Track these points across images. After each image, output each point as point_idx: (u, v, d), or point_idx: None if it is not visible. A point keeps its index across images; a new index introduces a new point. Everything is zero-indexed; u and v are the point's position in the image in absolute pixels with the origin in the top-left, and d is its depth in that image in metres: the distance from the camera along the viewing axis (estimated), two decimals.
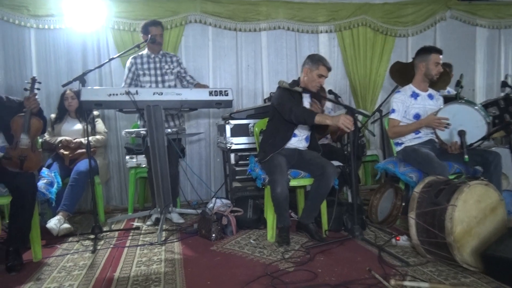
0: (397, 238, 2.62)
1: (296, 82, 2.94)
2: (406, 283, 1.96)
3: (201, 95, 2.95)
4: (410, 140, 2.98)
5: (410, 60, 4.42)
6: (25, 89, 2.60)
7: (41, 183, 2.65)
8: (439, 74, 2.94)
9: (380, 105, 4.00)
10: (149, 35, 3.34)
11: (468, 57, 4.83)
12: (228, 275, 2.20)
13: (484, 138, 2.68)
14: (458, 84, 3.17)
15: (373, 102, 4.57)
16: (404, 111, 2.99)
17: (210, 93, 2.96)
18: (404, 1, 4.64)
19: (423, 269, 2.18)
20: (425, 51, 2.95)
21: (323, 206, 2.91)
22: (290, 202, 3.37)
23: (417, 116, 2.96)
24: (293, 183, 2.80)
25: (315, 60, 2.88)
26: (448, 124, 2.70)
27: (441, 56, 2.92)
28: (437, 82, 3.29)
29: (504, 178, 3.06)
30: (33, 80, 2.64)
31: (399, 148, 3.04)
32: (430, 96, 3.02)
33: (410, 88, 3.03)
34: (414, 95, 2.99)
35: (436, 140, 2.91)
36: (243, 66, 4.47)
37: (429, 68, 2.91)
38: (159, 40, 3.44)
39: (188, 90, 2.95)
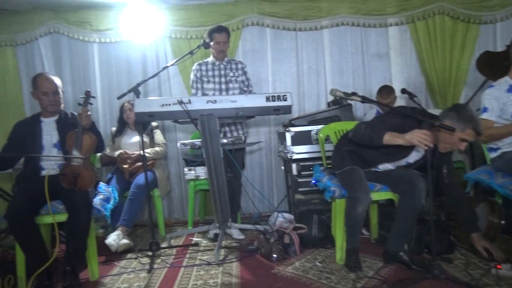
0: (498, 266, 2.13)
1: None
2: None
3: (257, 101, 2.69)
4: (509, 145, 2.45)
5: (500, 49, 3.83)
6: (79, 104, 2.55)
7: (97, 199, 2.57)
8: None
9: (466, 104, 3.45)
10: (214, 43, 3.24)
11: None
12: None
13: None
14: None
15: (454, 100, 3.98)
16: (500, 110, 2.49)
17: (267, 99, 2.69)
18: None
19: None
20: None
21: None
22: None
23: None
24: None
25: (465, 119, 2.15)
26: None
27: None
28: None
29: None
30: (87, 94, 2.59)
31: (494, 155, 2.52)
32: None
33: (506, 81, 2.51)
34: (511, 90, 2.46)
35: None
36: (304, 68, 4.16)
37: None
38: (222, 47, 3.30)
39: (244, 97, 2.72)
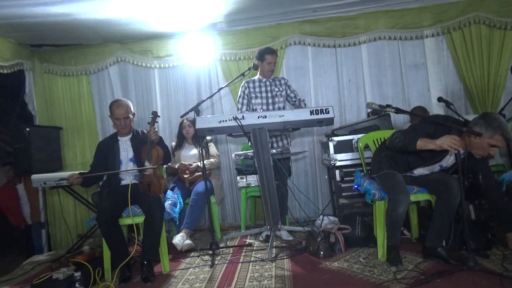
0: None
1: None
2: None
3: (302, 115, 3.03)
4: None
5: None
6: (148, 123, 3.02)
7: (166, 204, 3.02)
8: None
9: (503, 109, 3.58)
10: (267, 63, 3.65)
11: None
12: None
13: None
14: None
15: (494, 105, 4.09)
16: None
17: (311, 112, 3.02)
18: None
19: None
20: None
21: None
22: None
23: None
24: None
25: (493, 126, 2.33)
26: None
27: None
28: None
29: None
30: (154, 114, 3.06)
31: None
32: None
33: None
34: None
35: None
36: (344, 81, 4.46)
37: None
38: (272, 67, 3.70)
39: (290, 111, 3.07)
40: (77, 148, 4.73)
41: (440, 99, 3.58)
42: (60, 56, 4.67)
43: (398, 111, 2.62)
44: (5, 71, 4.17)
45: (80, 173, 2.93)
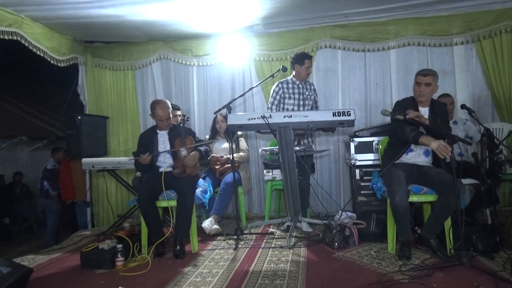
0: None
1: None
2: None
3: (325, 116, 3.26)
4: None
5: None
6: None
7: (198, 191, 3.38)
8: None
9: None
10: (305, 67, 3.88)
11: None
12: (344, 279, 2.46)
13: None
14: None
15: None
16: None
17: (334, 114, 3.25)
18: None
19: None
20: None
21: (447, 224, 2.86)
22: (416, 219, 3.44)
23: None
24: (412, 198, 2.88)
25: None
26: None
27: None
28: None
29: None
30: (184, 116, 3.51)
31: None
32: None
33: None
34: None
35: None
36: (371, 84, 4.63)
37: None
38: (309, 71, 3.94)
39: (314, 112, 3.32)
40: (120, 137, 5.19)
41: (463, 106, 3.73)
42: (110, 52, 5.14)
43: (405, 119, 2.83)
44: (62, 65, 4.66)
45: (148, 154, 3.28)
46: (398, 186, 2.78)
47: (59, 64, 4.59)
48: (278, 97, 3.98)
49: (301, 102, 3.97)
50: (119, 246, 2.93)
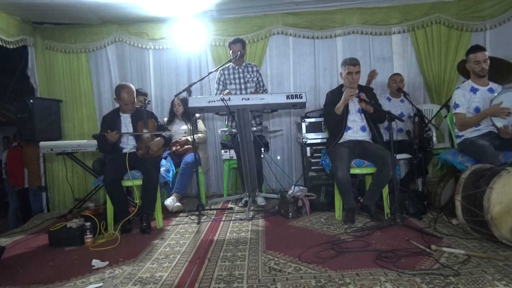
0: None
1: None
2: (445, 248, 2.37)
3: (279, 98, 3.56)
4: (470, 133, 3.22)
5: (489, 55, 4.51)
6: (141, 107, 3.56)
7: (162, 170, 3.56)
8: (484, 70, 3.16)
9: (447, 101, 4.18)
10: (231, 52, 4.07)
11: None
12: (298, 241, 2.80)
13: None
14: None
15: (447, 97, 4.69)
16: (467, 106, 3.25)
17: (287, 97, 3.55)
18: None
19: (467, 244, 2.52)
20: (466, 53, 3.25)
21: (385, 192, 3.31)
22: (359, 190, 3.87)
23: (477, 110, 3.20)
24: (355, 171, 3.29)
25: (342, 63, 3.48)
26: (510, 113, 2.95)
27: (480, 54, 3.14)
28: (504, 77, 3.48)
29: None
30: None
31: (459, 140, 3.30)
32: (491, 90, 3.22)
33: (469, 83, 3.28)
34: (473, 90, 3.23)
35: (496, 131, 3.12)
36: (320, 69, 5.00)
37: (471, 67, 3.19)
38: (241, 53, 4.06)
39: (269, 95, 3.61)
40: (75, 120, 5.16)
41: (399, 90, 4.19)
42: (61, 34, 5.04)
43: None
44: (11, 46, 4.52)
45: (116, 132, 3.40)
46: (340, 162, 3.16)
47: (7, 46, 4.45)
48: (221, 83, 4.20)
49: (242, 86, 4.18)
50: (87, 224, 3.06)
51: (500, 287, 1.87)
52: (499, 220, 2.38)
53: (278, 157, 5.05)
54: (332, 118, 3.44)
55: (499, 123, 3.04)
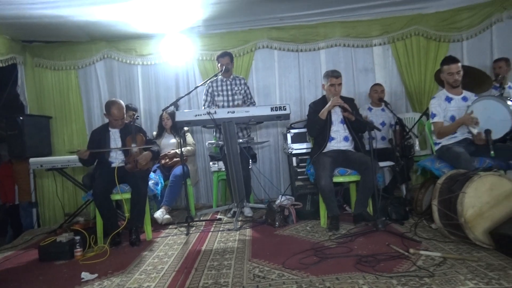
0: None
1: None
2: (422, 252, 2.47)
3: (264, 111, 3.67)
4: (447, 140, 3.35)
5: (466, 64, 4.70)
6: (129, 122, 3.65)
7: (150, 183, 3.63)
8: (457, 81, 3.33)
9: (426, 109, 4.32)
10: (220, 65, 4.20)
11: None
12: (283, 249, 2.88)
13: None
14: (500, 86, 3.46)
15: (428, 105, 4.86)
16: (443, 114, 3.39)
17: (272, 109, 3.67)
18: (457, 7, 4.85)
19: (444, 246, 2.63)
20: (441, 64, 3.41)
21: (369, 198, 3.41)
22: (345, 198, 3.97)
23: (453, 118, 3.34)
24: (338, 179, 3.40)
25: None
26: (477, 122, 3.09)
27: (453, 66, 3.30)
28: (479, 85, 3.64)
29: None
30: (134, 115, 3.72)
31: (437, 147, 3.43)
32: (464, 99, 3.37)
33: (443, 93, 3.43)
34: (448, 99, 3.38)
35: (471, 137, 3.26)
36: (305, 81, 5.14)
37: (445, 78, 3.35)
38: (227, 67, 4.21)
39: (254, 108, 3.72)
40: (65, 136, 5.21)
41: (380, 100, 4.33)
42: (50, 51, 5.14)
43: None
44: (1, 65, 4.61)
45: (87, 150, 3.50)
46: (323, 171, 3.27)
47: None
48: (209, 95, 4.32)
49: (230, 98, 4.30)
50: (77, 237, 3.12)
51: (471, 285, 1.97)
52: (473, 223, 2.49)
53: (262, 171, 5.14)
54: (316, 124, 3.54)
55: (474, 130, 3.17)
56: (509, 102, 3.08)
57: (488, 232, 2.48)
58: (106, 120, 3.77)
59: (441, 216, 2.70)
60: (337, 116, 3.60)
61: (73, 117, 5.21)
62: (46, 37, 5.00)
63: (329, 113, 3.54)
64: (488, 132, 3.00)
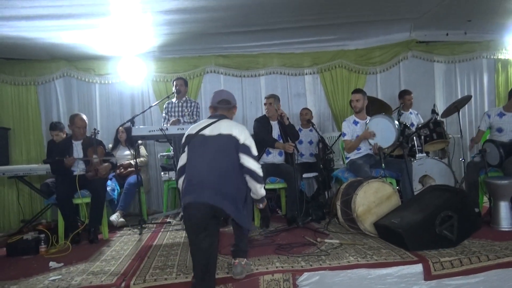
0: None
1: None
2: (326, 240, 3.25)
3: None
4: (354, 154, 4.24)
5: (379, 93, 5.72)
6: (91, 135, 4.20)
7: (108, 189, 4.16)
8: (356, 107, 4.26)
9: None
10: (175, 88, 4.85)
11: (429, 87, 5.95)
12: (222, 242, 3.52)
13: (394, 145, 3.94)
14: (433, 112, 4.40)
15: None
16: (351, 134, 4.27)
17: None
18: (372, 46, 5.88)
19: (345, 236, 3.43)
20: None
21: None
22: (277, 202, 4.71)
23: None
24: (269, 186, 4.14)
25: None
26: (374, 134, 3.97)
27: (354, 95, 4.27)
28: (385, 112, 4.61)
29: (430, 178, 4.22)
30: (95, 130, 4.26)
31: (347, 161, 4.31)
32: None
33: (352, 117, 4.33)
34: (355, 123, 4.28)
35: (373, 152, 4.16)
36: (247, 103, 5.90)
37: (351, 104, 4.24)
38: (178, 89, 4.87)
39: None
40: (23, 147, 5.53)
41: (308, 121, 5.17)
42: (11, 67, 5.48)
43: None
44: None
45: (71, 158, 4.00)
46: None
47: None
48: (166, 115, 4.99)
49: (180, 118, 4.96)
50: (42, 235, 3.58)
51: (352, 259, 2.77)
52: (363, 218, 3.32)
53: None
54: (267, 144, 4.28)
55: (372, 141, 4.05)
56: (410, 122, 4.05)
57: (373, 224, 3.33)
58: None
59: (342, 213, 3.53)
60: (276, 134, 4.35)
61: (31, 129, 5.54)
62: (7, 54, 5.34)
63: (271, 131, 4.31)
64: (381, 149, 3.90)
